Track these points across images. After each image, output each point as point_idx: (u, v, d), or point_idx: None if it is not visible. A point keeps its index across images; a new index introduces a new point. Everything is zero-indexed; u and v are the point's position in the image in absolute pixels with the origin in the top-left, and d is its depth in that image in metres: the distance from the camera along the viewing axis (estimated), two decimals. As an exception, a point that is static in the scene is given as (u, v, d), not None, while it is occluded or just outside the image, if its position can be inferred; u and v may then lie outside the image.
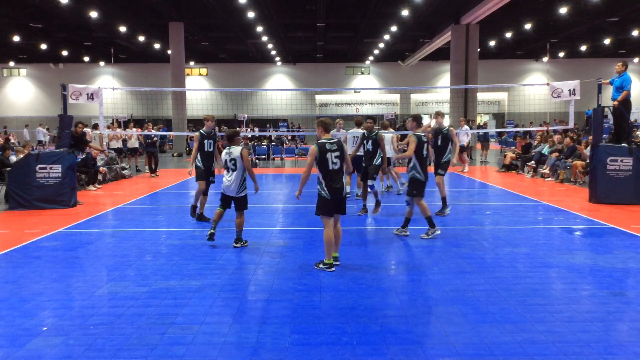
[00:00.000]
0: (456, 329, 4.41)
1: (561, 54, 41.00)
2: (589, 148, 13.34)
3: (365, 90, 43.46)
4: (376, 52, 38.77)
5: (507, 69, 41.80)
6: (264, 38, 32.77)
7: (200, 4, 24.97)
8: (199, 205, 9.21)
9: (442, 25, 29.44)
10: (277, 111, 36.15)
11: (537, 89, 30.99)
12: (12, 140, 27.24)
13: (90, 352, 4.04)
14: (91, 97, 11.24)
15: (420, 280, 5.79)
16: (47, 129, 32.07)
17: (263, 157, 22.95)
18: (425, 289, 5.49)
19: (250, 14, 25.58)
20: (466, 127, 17.92)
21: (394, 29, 29.65)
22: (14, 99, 43.20)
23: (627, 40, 34.39)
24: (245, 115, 27.46)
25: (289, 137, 27.42)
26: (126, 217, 9.83)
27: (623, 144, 10.80)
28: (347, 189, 11.94)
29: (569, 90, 11.09)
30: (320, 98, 43.52)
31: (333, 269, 6.09)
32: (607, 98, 11.63)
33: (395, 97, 43.84)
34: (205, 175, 8.95)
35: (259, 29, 29.53)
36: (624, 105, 11.06)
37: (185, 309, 4.92)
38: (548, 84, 11.51)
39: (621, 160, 10.50)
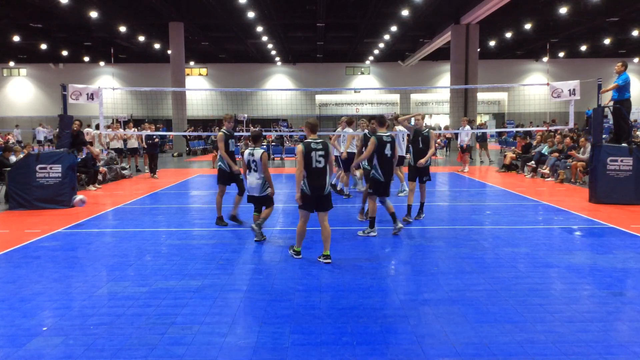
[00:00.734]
0: (456, 329, 4.41)
1: (561, 54, 41.01)
2: (587, 146, 13.38)
3: (365, 90, 43.49)
4: (376, 52, 38.78)
5: (507, 69, 41.82)
6: (264, 38, 32.79)
7: (200, 4, 24.99)
8: (224, 208, 8.85)
9: (442, 25, 29.46)
10: (277, 111, 36.19)
11: (537, 89, 31.01)
12: (12, 140, 27.24)
13: (90, 352, 4.04)
14: (91, 97, 11.24)
15: (420, 280, 5.79)
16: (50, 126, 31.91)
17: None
18: (425, 289, 5.49)
19: (250, 14, 25.59)
20: (468, 127, 17.88)
21: (394, 29, 29.67)
22: (14, 99, 43.22)
23: (627, 40, 34.42)
24: (245, 115, 27.47)
25: (288, 137, 27.46)
26: (126, 217, 9.83)
27: (623, 144, 10.80)
28: (346, 189, 12.07)
29: (569, 90, 11.09)
30: (320, 98, 43.53)
31: (300, 256, 6.63)
32: (607, 98, 11.65)
33: (395, 97, 43.85)
34: (229, 178, 8.61)
35: (259, 29, 29.55)
36: (624, 106, 11.06)
37: (185, 309, 4.92)
38: (548, 84, 11.51)
39: (621, 160, 10.50)
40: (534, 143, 17.40)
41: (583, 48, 37.76)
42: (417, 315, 4.75)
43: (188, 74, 39.41)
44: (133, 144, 18.55)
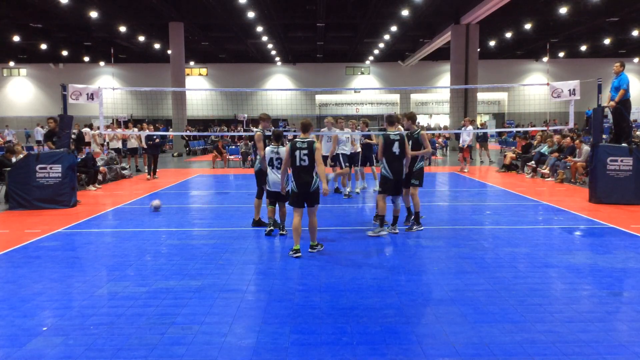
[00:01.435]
0: (456, 329, 4.41)
1: (561, 54, 41.01)
2: (583, 148, 13.39)
3: (365, 90, 43.48)
4: (376, 52, 38.78)
5: (507, 69, 41.82)
6: (264, 38, 32.79)
7: (200, 4, 24.98)
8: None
9: (442, 25, 29.45)
10: (277, 111, 36.16)
11: (537, 89, 30.99)
12: (13, 140, 27.18)
13: (90, 352, 4.04)
14: (91, 97, 11.23)
15: (420, 280, 5.79)
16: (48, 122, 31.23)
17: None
18: (425, 289, 5.49)
19: (250, 14, 25.59)
20: (470, 127, 17.84)
21: (394, 29, 29.66)
22: (14, 99, 43.22)
23: (627, 40, 34.41)
24: (245, 115, 27.46)
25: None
26: (126, 217, 9.82)
27: (623, 144, 10.80)
28: (346, 190, 12.07)
29: (569, 90, 11.08)
30: (320, 98, 43.53)
31: (299, 254, 6.69)
32: (607, 98, 11.64)
33: (395, 97, 43.85)
34: (265, 178, 8.08)
35: (259, 29, 29.55)
36: (624, 105, 11.06)
37: (185, 309, 4.92)
38: (548, 84, 11.50)
39: (621, 160, 10.50)
40: (534, 143, 17.41)
41: (583, 48, 37.75)
42: (417, 315, 4.75)
43: (188, 74, 39.40)
44: (133, 144, 18.55)
